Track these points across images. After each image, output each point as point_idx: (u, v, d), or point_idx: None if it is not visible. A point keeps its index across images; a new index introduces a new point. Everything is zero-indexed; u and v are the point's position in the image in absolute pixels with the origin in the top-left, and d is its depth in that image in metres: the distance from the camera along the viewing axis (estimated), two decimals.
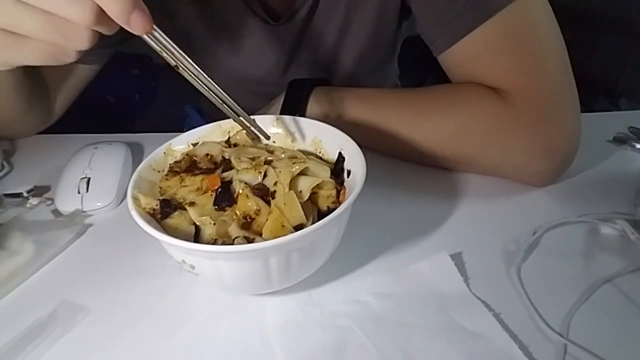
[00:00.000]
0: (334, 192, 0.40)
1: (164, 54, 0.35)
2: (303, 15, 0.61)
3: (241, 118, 0.41)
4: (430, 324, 0.38)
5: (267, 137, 0.44)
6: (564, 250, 0.44)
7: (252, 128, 0.43)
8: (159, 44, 0.34)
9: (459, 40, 0.50)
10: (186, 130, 0.46)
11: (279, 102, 0.58)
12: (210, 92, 0.38)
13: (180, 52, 0.35)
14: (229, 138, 0.47)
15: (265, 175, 0.40)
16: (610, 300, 0.39)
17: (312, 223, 0.35)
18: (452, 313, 0.38)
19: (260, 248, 0.33)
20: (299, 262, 0.36)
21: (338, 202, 0.40)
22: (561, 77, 0.49)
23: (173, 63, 0.35)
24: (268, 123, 0.47)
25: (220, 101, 0.39)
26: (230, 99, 0.39)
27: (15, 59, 0.35)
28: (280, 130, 0.47)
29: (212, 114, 0.85)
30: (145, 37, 0.33)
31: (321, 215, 0.39)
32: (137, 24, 0.31)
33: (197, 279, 0.38)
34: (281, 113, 0.55)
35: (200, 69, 0.36)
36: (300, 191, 0.39)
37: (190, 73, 0.36)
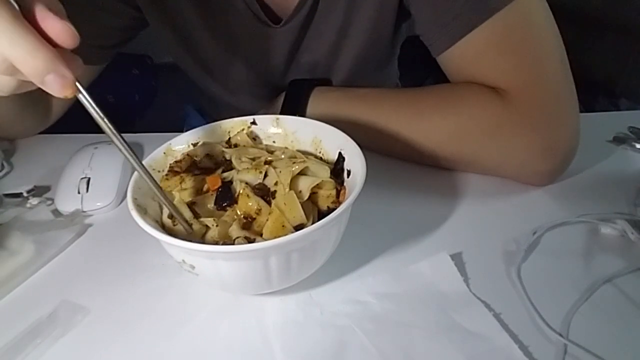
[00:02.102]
0: (333, 192, 0.40)
1: (92, 113, 0.33)
2: (302, 18, 0.61)
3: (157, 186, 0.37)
4: (430, 324, 0.38)
5: (190, 226, 0.38)
6: (564, 250, 0.44)
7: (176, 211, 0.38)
8: (87, 103, 0.32)
9: (458, 41, 0.50)
10: (186, 130, 0.46)
11: (279, 102, 0.58)
12: (132, 159, 0.35)
13: (107, 122, 0.33)
14: (229, 138, 0.47)
15: (265, 175, 0.39)
16: (610, 300, 0.39)
17: (312, 223, 0.35)
18: (452, 313, 0.38)
19: (260, 248, 0.33)
20: (299, 262, 0.36)
21: (338, 202, 0.40)
22: (560, 76, 0.49)
23: (99, 119, 0.33)
24: (268, 123, 0.48)
25: (143, 173, 0.36)
26: (144, 167, 0.36)
27: None
28: (280, 130, 0.47)
29: (212, 114, 0.85)
30: (78, 95, 0.31)
31: (321, 215, 0.39)
32: (53, 88, 0.29)
33: (197, 279, 0.38)
34: (281, 113, 0.55)
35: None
36: (300, 191, 0.39)
37: (118, 139, 0.34)
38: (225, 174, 0.41)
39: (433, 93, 0.54)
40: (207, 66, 0.71)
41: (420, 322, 0.38)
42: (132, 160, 0.35)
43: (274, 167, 0.40)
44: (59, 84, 0.29)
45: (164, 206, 0.38)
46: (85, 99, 0.32)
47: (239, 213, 0.38)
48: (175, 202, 0.39)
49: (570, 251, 0.44)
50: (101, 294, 0.43)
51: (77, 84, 0.31)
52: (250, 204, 0.38)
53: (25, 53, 0.28)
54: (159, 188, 0.36)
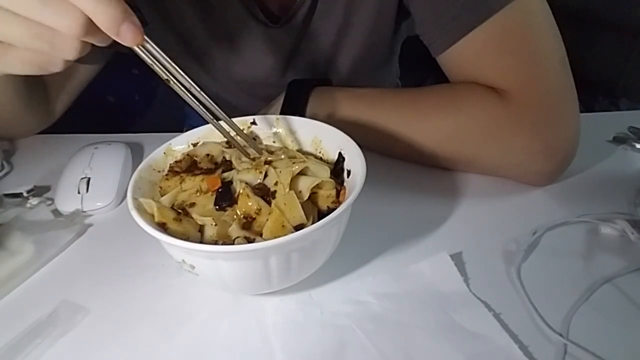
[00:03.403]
0: (333, 192, 0.40)
1: (155, 67, 0.33)
2: (301, 17, 0.61)
3: (234, 136, 0.40)
4: (430, 324, 0.38)
5: (260, 153, 0.42)
6: (564, 250, 0.44)
7: (246, 145, 0.41)
8: (150, 57, 0.33)
9: (458, 41, 0.50)
10: (186, 130, 0.46)
11: (279, 102, 0.58)
12: (203, 107, 0.36)
13: (173, 64, 0.34)
14: None
15: (265, 175, 0.39)
16: (610, 300, 0.39)
17: (312, 223, 0.35)
18: (452, 313, 0.38)
19: (260, 248, 0.33)
20: (299, 262, 0.36)
21: (338, 202, 0.40)
22: (560, 76, 0.49)
23: (164, 77, 0.34)
24: (268, 123, 0.48)
25: (213, 117, 0.37)
26: (223, 114, 0.38)
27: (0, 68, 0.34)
28: (280, 130, 0.47)
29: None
30: (136, 48, 0.32)
31: (321, 215, 0.39)
32: (127, 36, 0.31)
33: (197, 279, 0.38)
34: (281, 113, 0.55)
35: (193, 82, 0.35)
36: (300, 191, 0.39)
37: (182, 87, 0.35)
38: (225, 174, 0.41)
39: (433, 93, 0.54)
40: (206, 66, 0.71)
41: (420, 322, 0.38)
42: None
43: (274, 167, 0.40)
44: (133, 32, 0.31)
45: (161, 205, 0.38)
46: (153, 48, 0.33)
47: (238, 213, 0.38)
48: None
49: (570, 251, 0.44)
50: (101, 294, 0.43)
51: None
52: (250, 204, 0.38)
53: (104, 5, 0.29)
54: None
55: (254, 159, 0.42)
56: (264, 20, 0.62)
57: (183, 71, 0.34)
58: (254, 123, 0.48)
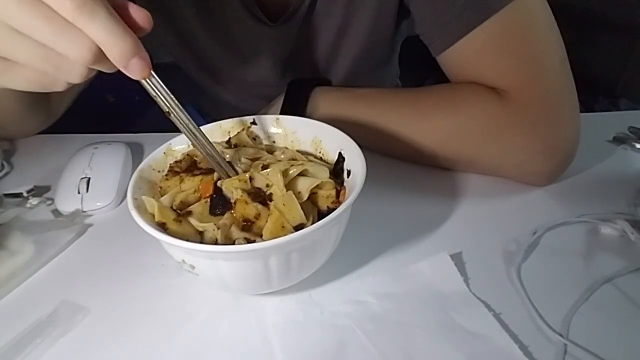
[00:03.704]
0: (333, 192, 0.40)
1: (158, 100, 0.34)
2: (301, 17, 0.61)
3: (228, 174, 0.40)
4: (430, 324, 0.38)
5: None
6: (564, 250, 0.44)
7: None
8: (155, 89, 0.34)
9: (458, 40, 0.50)
10: None
11: (279, 102, 0.58)
12: (198, 141, 0.37)
13: (174, 99, 0.35)
14: (229, 138, 0.47)
15: (252, 179, 0.39)
16: (610, 300, 0.39)
17: (312, 223, 0.35)
18: (452, 313, 0.38)
19: (260, 248, 0.33)
20: (299, 262, 0.36)
21: (338, 202, 0.40)
22: (560, 76, 0.49)
23: (166, 109, 0.35)
24: (268, 123, 0.48)
25: (207, 153, 0.38)
26: (217, 152, 0.39)
27: (1, 83, 0.33)
28: (280, 131, 0.47)
29: (212, 114, 0.85)
30: (142, 81, 0.33)
31: (321, 215, 0.39)
32: (135, 70, 0.31)
33: (197, 279, 0.38)
34: (281, 113, 0.55)
35: (191, 117, 0.36)
36: (299, 192, 0.39)
37: (182, 121, 0.36)
38: (219, 181, 0.40)
39: (433, 93, 0.54)
40: (206, 65, 0.71)
41: (420, 322, 0.38)
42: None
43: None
44: (141, 66, 0.31)
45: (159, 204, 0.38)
46: (157, 82, 0.34)
47: (237, 217, 0.37)
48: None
49: (570, 251, 0.44)
50: (101, 294, 0.43)
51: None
52: (248, 210, 0.37)
53: (117, 38, 0.29)
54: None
55: (253, 160, 0.42)
56: (263, 19, 0.62)
57: (182, 106, 0.35)
58: (254, 123, 0.48)
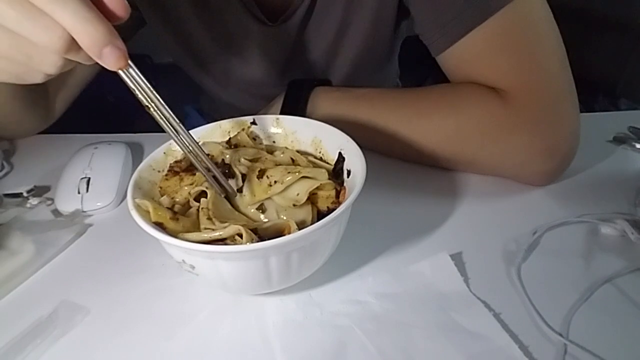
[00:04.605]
0: (333, 192, 0.40)
1: (137, 93, 0.33)
2: (300, 16, 0.61)
3: (209, 169, 0.38)
4: (430, 324, 0.38)
5: (234, 193, 0.40)
6: (564, 250, 0.44)
7: (219, 180, 0.39)
8: (133, 81, 0.32)
9: (458, 40, 0.50)
10: None
11: (279, 102, 0.58)
12: (179, 137, 0.36)
13: (155, 93, 0.33)
14: (229, 138, 0.47)
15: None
16: (610, 300, 0.39)
17: (312, 223, 0.35)
18: (452, 313, 0.38)
19: (260, 248, 0.33)
20: (299, 262, 0.36)
21: (338, 202, 0.40)
22: (560, 76, 0.49)
23: (145, 103, 0.34)
24: (268, 123, 0.48)
25: (188, 149, 0.37)
26: (199, 148, 0.37)
27: None
28: (280, 131, 0.47)
29: (212, 114, 0.85)
30: (120, 72, 0.31)
31: (321, 215, 0.39)
32: (109, 59, 0.30)
33: (197, 279, 0.38)
34: (281, 113, 0.55)
35: (172, 112, 0.35)
36: (298, 194, 0.39)
37: (162, 115, 0.34)
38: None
39: (433, 93, 0.54)
40: (206, 65, 0.71)
41: (420, 322, 0.38)
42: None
43: (269, 176, 0.40)
44: (116, 56, 0.30)
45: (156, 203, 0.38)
46: (136, 74, 0.32)
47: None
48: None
49: (570, 251, 0.44)
50: (101, 294, 0.43)
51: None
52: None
53: (88, 25, 0.28)
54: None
55: (253, 160, 0.42)
56: (263, 19, 0.62)
57: (163, 100, 0.34)
58: (254, 123, 0.48)
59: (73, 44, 0.29)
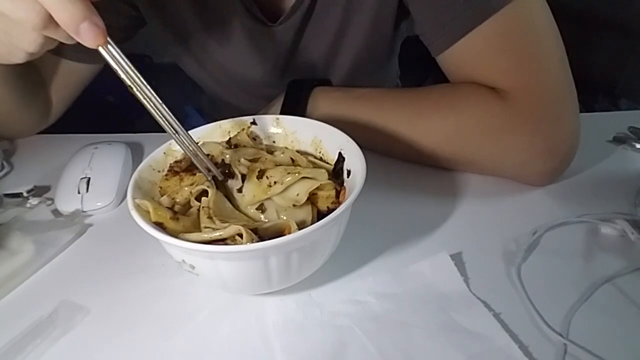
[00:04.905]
0: (333, 192, 0.40)
1: (119, 72, 0.33)
2: (300, 16, 0.61)
3: (194, 152, 0.38)
4: (430, 324, 0.38)
5: (220, 177, 0.40)
6: (564, 250, 0.44)
7: (205, 163, 0.39)
8: (114, 59, 0.32)
9: (458, 41, 0.50)
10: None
11: (279, 102, 0.58)
12: (164, 118, 0.36)
13: (137, 72, 0.33)
14: (229, 138, 0.47)
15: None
16: (610, 300, 0.39)
17: (312, 223, 0.35)
18: (452, 313, 0.38)
19: (260, 248, 0.33)
20: (299, 262, 0.36)
21: (338, 202, 0.40)
22: (560, 76, 0.49)
23: (128, 83, 0.33)
24: (268, 123, 0.48)
25: (173, 130, 0.36)
26: (183, 130, 0.37)
27: None
28: (280, 131, 0.47)
29: (212, 114, 0.85)
30: (100, 50, 0.31)
31: (321, 215, 0.39)
32: (87, 36, 0.29)
33: (197, 279, 0.38)
34: (281, 113, 0.55)
35: (155, 93, 0.34)
36: (298, 194, 0.39)
37: (145, 96, 0.34)
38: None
39: (433, 93, 0.54)
40: (205, 65, 0.71)
41: (420, 322, 0.38)
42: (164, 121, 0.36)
43: (269, 177, 0.40)
44: (94, 32, 0.30)
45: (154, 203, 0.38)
46: (117, 52, 0.32)
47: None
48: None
49: (570, 251, 0.44)
50: (101, 294, 0.43)
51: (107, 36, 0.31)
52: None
53: (64, 1, 0.28)
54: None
55: (252, 160, 0.42)
56: (263, 19, 0.62)
57: (145, 80, 0.34)
58: (254, 123, 0.48)
59: (51, 21, 0.29)
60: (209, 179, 0.39)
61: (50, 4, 0.28)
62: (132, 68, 0.33)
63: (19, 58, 0.33)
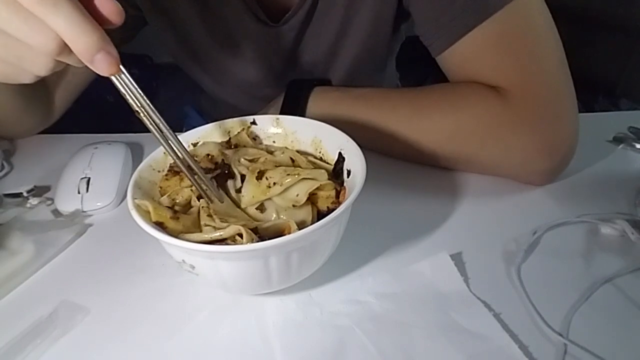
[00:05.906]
0: (333, 192, 0.40)
1: (128, 98, 0.33)
2: (302, 17, 0.61)
3: (198, 177, 0.39)
4: (430, 324, 0.38)
5: (221, 200, 0.40)
6: (564, 250, 0.44)
7: (209, 189, 0.39)
8: (124, 87, 0.33)
9: (457, 41, 0.50)
10: (186, 130, 0.46)
11: (279, 102, 0.58)
12: (170, 145, 0.36)
13: (146, 99, 0.34)
14: (229, 138, 0.47)
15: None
16: (610, 300, 0.39)
17: (312, 223, 0.35)
18: (452, 313, 0.38)
19: (260, 248, 0.33)
20: (299, 262, 0.36)
21: (338, 202, 0.40)
22: (559, 76, 0.49)
23: (135, 108, 0.34)
24: (268, 123, 0.48)
25: (177, 156, 0.37)
26: (188, 155, 0.37)
27: None
28: (280, 131, 0.47)
29: (212, 114, 0.85)
30: (112, 77, 0.32)
31: (321, 215, 0.39)
32: (101, 66, 0.30)
33: (197, 279, 0.38)
34: (281, 113, 0.55)
35: (163, 118, 0.35)
36: (297, 195, 0.39)
37: (152, 122, 0.34)
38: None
39: (433, 92, 0.54)
40: (206, 65, 0.71)
41: (420, 322, 0.38)
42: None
43: (268, 178, 0.40)
44: (108, 62, 0.30)
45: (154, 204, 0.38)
46: (128, 80, 0.33)
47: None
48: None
49: (570, 251, 0.44)
50: (101, 294, 0.43)
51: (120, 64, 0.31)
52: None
53: (80, 31, 0.28)
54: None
55: (252, 160, 0.42)
56: (264, 19, 0.62)
57: (154, 106, 0.34)
58: (254, 123, 0.48)
59: (65, 47, 0.29)
60: (211, 201, 0.39)
61: (67, 34, 0.28)
62: (141, 94, 0.34)
63: (26, 79, 0.33)
